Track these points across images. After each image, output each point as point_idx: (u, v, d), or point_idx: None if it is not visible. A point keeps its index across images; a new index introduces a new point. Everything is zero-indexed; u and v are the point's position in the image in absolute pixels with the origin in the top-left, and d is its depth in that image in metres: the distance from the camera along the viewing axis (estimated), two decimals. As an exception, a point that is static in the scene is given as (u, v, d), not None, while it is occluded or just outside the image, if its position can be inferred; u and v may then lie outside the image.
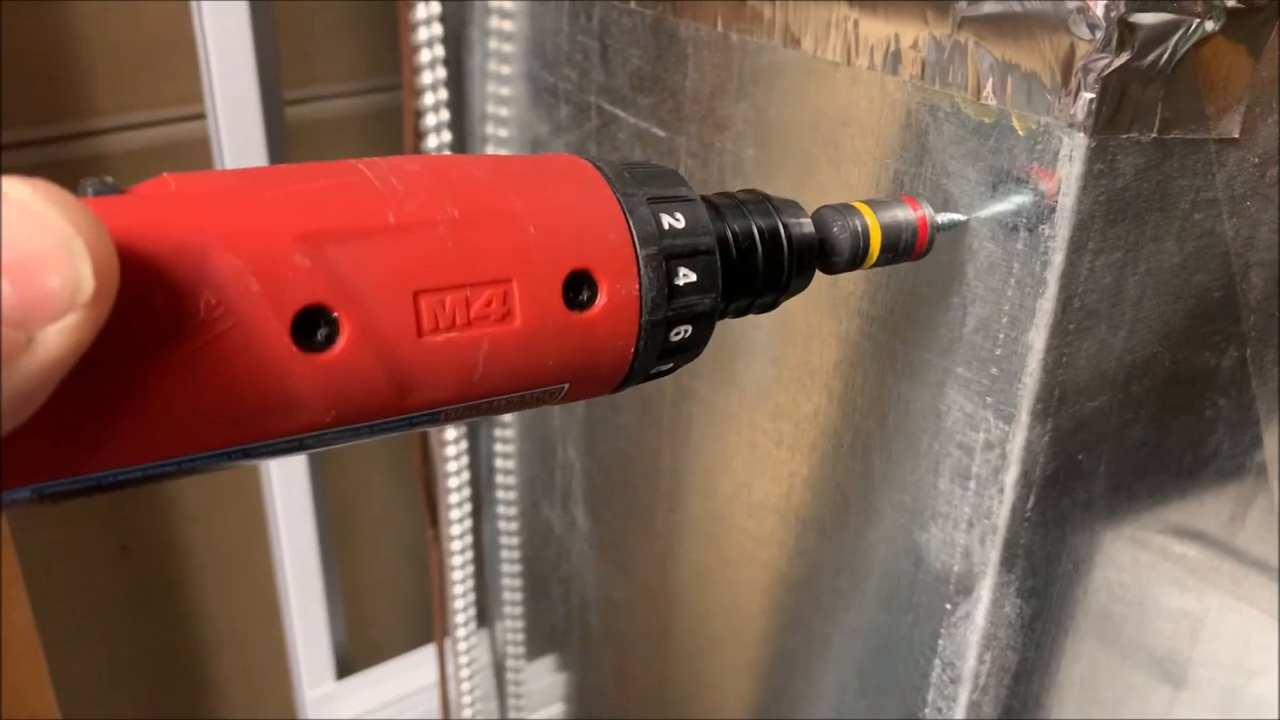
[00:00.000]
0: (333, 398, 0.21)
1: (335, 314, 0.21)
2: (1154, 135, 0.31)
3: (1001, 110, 0.32)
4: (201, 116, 0.74)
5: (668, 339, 0.26)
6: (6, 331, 0.15)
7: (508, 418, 0.68)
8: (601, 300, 0.24)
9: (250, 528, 0.82)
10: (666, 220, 0.26)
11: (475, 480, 0.69)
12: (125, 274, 0.18)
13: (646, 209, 0.25)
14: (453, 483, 0.66)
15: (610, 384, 0.27)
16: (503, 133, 0.58)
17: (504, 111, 0.57)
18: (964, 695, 0.39)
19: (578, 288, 0.24)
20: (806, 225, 0.30)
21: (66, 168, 0.72)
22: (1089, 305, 0.33)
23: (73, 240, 0.16)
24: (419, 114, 0.57)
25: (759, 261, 0.28)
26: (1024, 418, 0.34)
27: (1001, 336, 0.34)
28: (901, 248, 0.32)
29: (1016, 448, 0.34)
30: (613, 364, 0.26)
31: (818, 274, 0.31)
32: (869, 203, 0.31)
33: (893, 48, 0.34)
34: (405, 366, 0.22)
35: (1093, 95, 0.29)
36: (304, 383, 0.21)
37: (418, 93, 0.56)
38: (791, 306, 0.41)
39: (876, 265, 0.32)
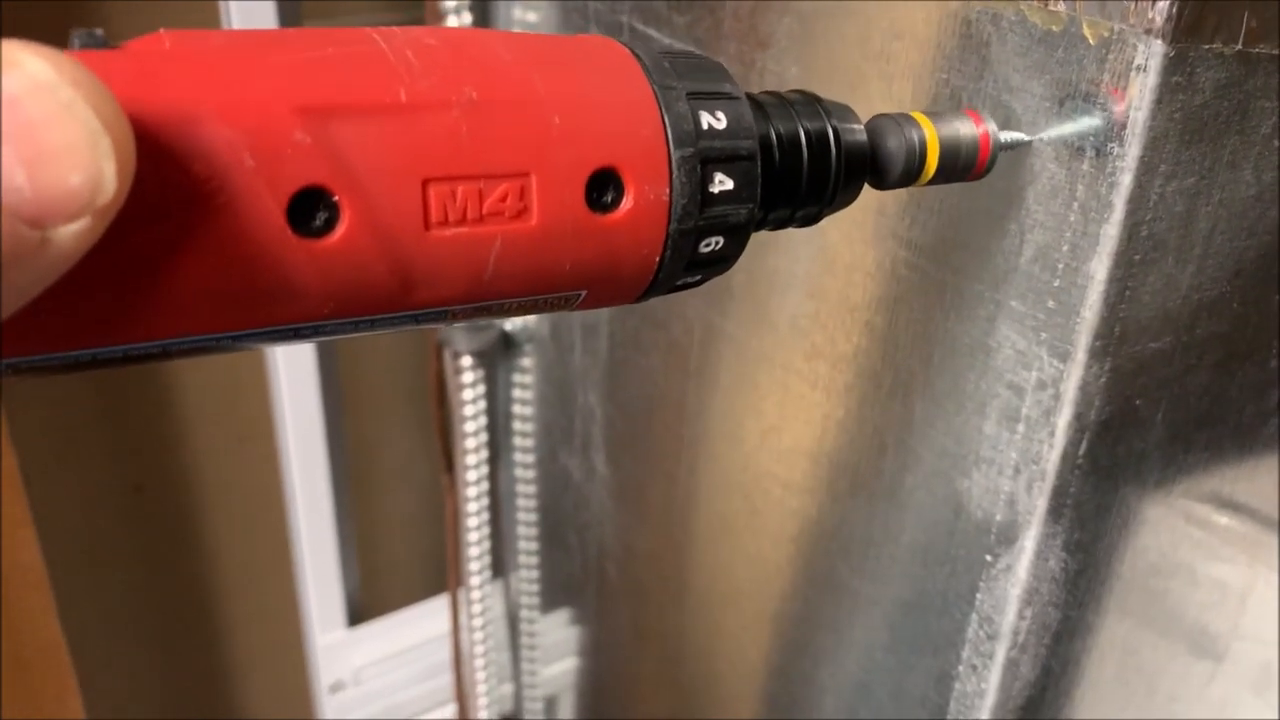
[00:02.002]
0: (330, 288, 0.19)
1: (336, 197, 0.19)
2: (1238, 47, 0.29)
3: (1071, 17, 0.29)
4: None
5: (696, 250, 0.24)
6: (20, 228, 0.14)
7: (527, 362, 0.66)
8: (627, 203, 0.22)
9: (264, 471, 0.80)
10: (706, 119, 0.23)
11: (492, 426, 0.67)
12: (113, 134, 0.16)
13: (685, 105, 0.23)
14: (469, 428, 0.64)
15: (631, 294, 0.24)
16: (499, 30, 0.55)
17: (531, 16, 0.54)
18: (1001, 652, 0.37)
19: (602, 187, 0.22)
20: (859, 132, 0.27)
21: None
22: (1157, 235, 0.30)
23: (99, 136, 0.15)
24: (440, 16, 0.54)
25: (803, 168, 0.26)
26: (1081, 355, 0.32)
27: (1061, 266, 0.31)
28: (960, 165, 0.29)
29: (1071, 388, 0.32)
30: (635, 273, 0.23)
31: (863, 198, 0.28)
32: (928, 114, 0.29)
33: (953, -49, 0.32)
34: (410, 260, 0.20)
35: (1175, -3, 0.27)
36: (299, 270, 0.19)
37: (440, 15, 0.54)
38: (832, 235, 0.39)
39: (931, 183, 0.29)
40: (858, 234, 0.38)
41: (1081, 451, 0.33)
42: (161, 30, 0.19)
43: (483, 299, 0.22)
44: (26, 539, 0.60)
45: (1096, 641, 0.40)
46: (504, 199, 0.21)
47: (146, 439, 0.80)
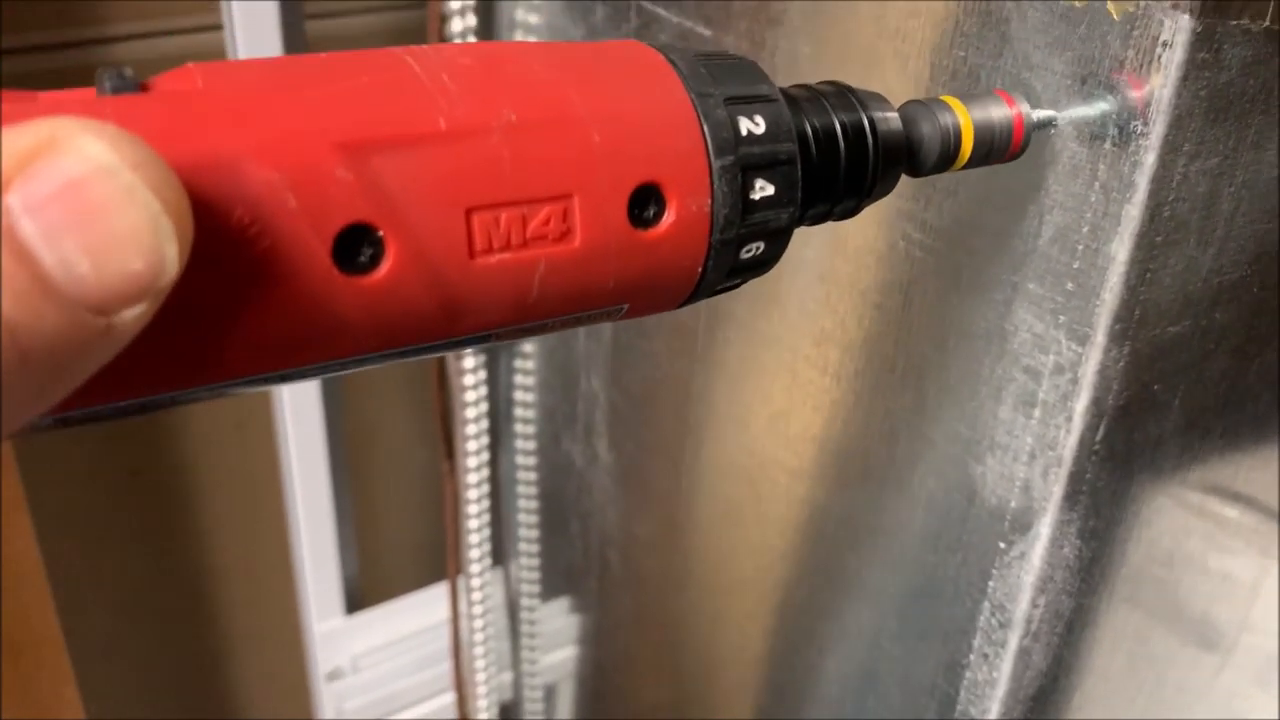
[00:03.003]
0: (378, 323, 0.19)
1: (380, 233, 0.19)
2: (1266, 24, 0.28)
3: (1096, -8, 0.29)
4: (218, 28, 0.71)
5: (738, 257, 0.23)
6: (85, 316, 0.14)
7: (529, 347, 0.65)
8: (669, 217, 0.22)
9: (262, 457, 0.80)
10: (745, 125, 0.23)
11: (494, 412, 0.66)
12: None
13: (724, 111, 0.22)
14: (470, 413, 0.64)
15: (673, 303, 0.24)
16: (532, 40, 0.55)
17: (534, 19, 0.54)
18: (1014, 641, 0.36)
19: (644, 203, 0.22)
20: (894, 121, 0.26)
21: (75, 76, 0.69)
22: (1179, 216, 0.30)
23: (161, 219, 0.15)
24: (444, 19, 0.54)
25: (841, 162, 0.25)
26: (1100, 339, 0.31)
27: (1081, 248, 0.31)
28: (995, 148, 0.29)
29: (1089, 372, 0.31)
30: (677, 284, 0.23)
31: None
32: (960, 97, 0.28)
33: (973, -75, 0.31)
34: (455, 290, 0.20)
35: (1204, -30, 0.26)
36: (347, 308, 0.19)
37: (445, 16, 0.53)
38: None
39: (966, 168, 0.29)
40: (869, 216, 0.37)
41: (1099, 437, 0.33)
42: (190, 65, 0.19)
43: (527, 321, 0.21)
44: (21, 524, 0.60)
45: (1108, 631, 0.40)
46: (547, 222, 0.20)
47: (143, 424, 0.79)
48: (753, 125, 0.23)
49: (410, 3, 0.76)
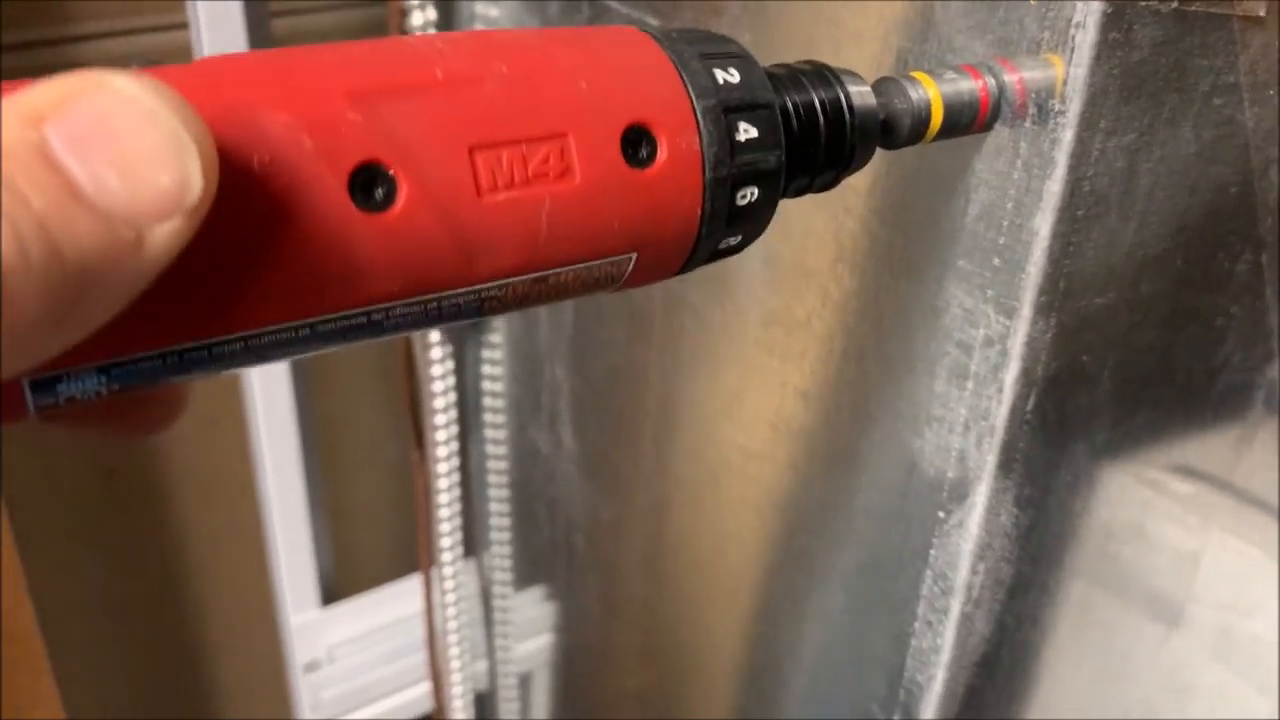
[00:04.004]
0: (397, 262, 0.20)
1: (391, 171, 0.20)
2: (1174, 5, 0.29)
3: (1012, -24, 0.30)
4: (184, 26, 0.71)
5: (734, 201, 0.25)
6: (118, 228, 0.15)
7: (495, 336, 0.66)
8: (662, 155, 0.23)
9: (235, 453, 0.80)
10: (721, 75, 0.24)
11: (462, 403, 0.67)
12: None
13: (699, 63, 0.24)
14: (439, 403, 0.65)
15: (679, 253, 0.25)
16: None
17: (493, 12, 0.55)
18: (955, 608, 0.37)
19: (636, 143, 0.23)
20: (868, 95, 0.28)
21: (43, 74, 0.70)
22: (1099, 190, 0.31)
23: (182, 138, 0.16)
24: (404, 13, 0.55)
25: (821, 135, 0.26)
26: (1026, 311, 0.32)
27: (1006, 224, 0.32)
28: (963, 121, 0.30)
29: (1017, 343, 0.33)
30: (680, 227, 0.24)
31: None
32: (930, 72, 0.29)
33: (898, -86, 0.32)
34: (468, 227, 0.21)
35: (1110, -47, 0.27)
36: (366, 245, 0.20)
37: (404, 13, 0.54)
38: (787, 201, 0.40)
39: (937, 139, 0.30)
40: (810, 199, 0.38)
41: (1029, 407, 0.34)
42: (207, 56, 0.21)
43: (540, 266, 0.23)
44: (-3, 523, 0.60)
45: (1051, 599, 0.41)
46: (546, 160, 0.22)
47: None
48: (728, 75, 0.24)
49: (371, 1, 0.77)
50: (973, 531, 0.36)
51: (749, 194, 0.25)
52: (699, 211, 0.24)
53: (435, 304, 0.22)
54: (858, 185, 0.36)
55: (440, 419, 0.65)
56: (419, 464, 0.70)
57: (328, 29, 0.78)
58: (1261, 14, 0.31)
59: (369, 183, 0.20)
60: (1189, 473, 0.41)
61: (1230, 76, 0.32)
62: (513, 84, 0.22)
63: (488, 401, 0.68)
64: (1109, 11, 0.28)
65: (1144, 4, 0.29)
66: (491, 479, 0.71)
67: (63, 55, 0.70)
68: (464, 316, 0.23)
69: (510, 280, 0.22)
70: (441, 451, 0.66)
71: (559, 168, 0.22)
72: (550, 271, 0.23)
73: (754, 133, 0.24)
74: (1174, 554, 0.43)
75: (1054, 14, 0.29)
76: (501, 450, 0.70)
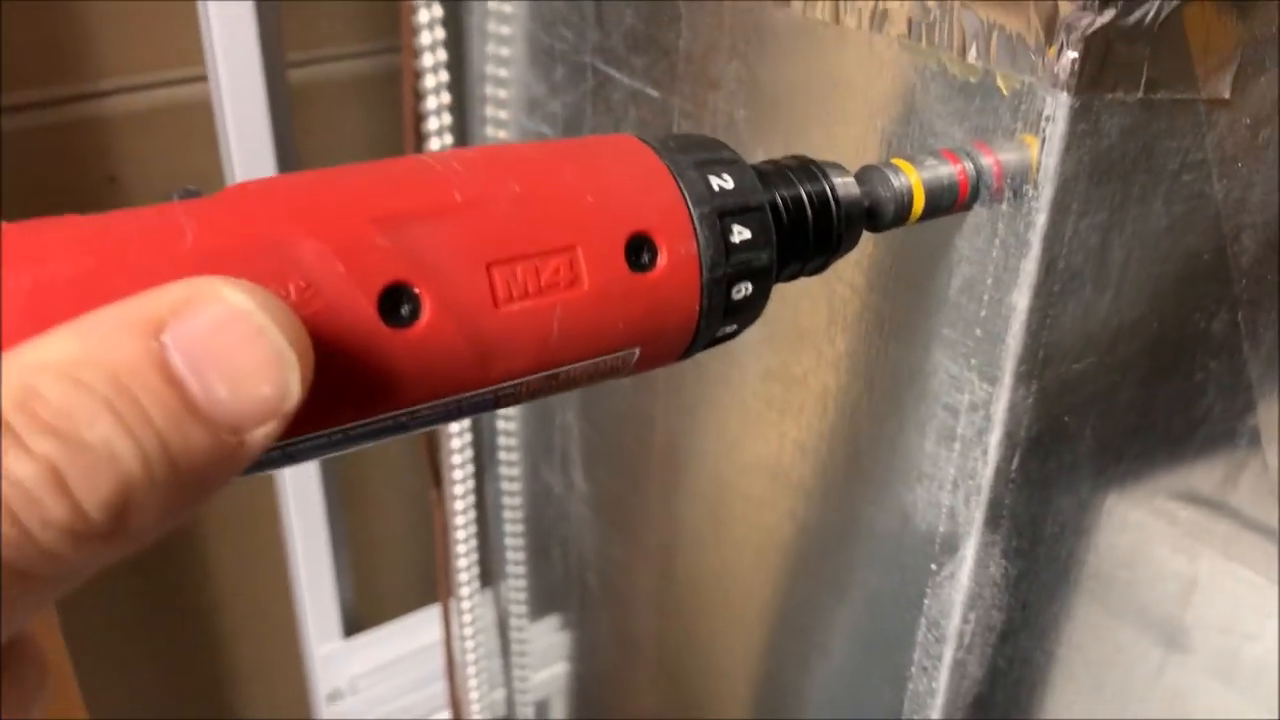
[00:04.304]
0: (423, 372, 0.22)
1: (416, 290, 0.22)
2: (1140, 95, 0.31)
3: (986, 70, 0.32)
4: (203, 79, 0.73)
5: (729, 296, 0.27)
6: (223, 435, 0.17)
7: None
8: (663, 260, 0.25)
9: (260, 487, 0.83)
10: (715, 182, 0.26)
11: (478, 443, 0.69)
12: (217, 266, 0.19)
13: (694, 172, 0.26)
14: (455, 444, 0.67)
15: (679, 346, 0.27)
16: (501, 93, 0.58)
17: (503, 72, 0.57)
18: (948, 654, 0.39)
19: (639, 250, 0.25)
20: (852, 186, 0.30)
21: (69, 130, 0.72)
22: (1074, 267, 0.33)
23: (285, 352, 0.18)
24: (418, 74, 0.57)
25: (809, 225, 0.28)
26: (1007, 380, 0.34)
27: (986, 298, 0.34)
28: (944, 203, 0.32)
29: (1000, 409, 0.34)
30: (680, 323, 0.26)
31: None
32: (910, 159, 0.31)
33: (880, 7, 0.34)
34: (486, 336, 0.23)
35: (1076, 54, 0.29)
36: (395, 359, 0.22)
37: (417, 53, 0.56)
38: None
39: (921, 220, 0.32)
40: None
41: (1014, 466, 0.36)
42: (243, 180, 0.22)
43: (551, 366, 0.24)
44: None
45: (1044, 639, 0.42)
46: (557, 271, 0.24)
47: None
48: (722, 181, 0.26)
49: (385, 50, 0.79)
50: (963, 583, 0.38)
51: (744, 288, 0.27)
52: (697, 308, 0.26)
53: (455, 404, 0.24)
54: (850, 256, 0.38)
55: (457, 459, 0.67)
56: (437, 502, 0.72)
57: (343, 78, 0.80)
58: (1226, 95, 0.33)
59: (396, 302, 0.21)
60: (1183, 497, 0.42)
61: (1198, 154, 0.34)
62: (525, 202, 0.24)
63: (502, 441, 0.70)
64: (1077, 106, 0.30)
65: (1111, 97, 0.31)
66: (507, 515, 0.73)
67: (84, 110, 0.72)
68: (481, 410, 0.25)
69: (524, 379, 0.24)
70: (458, 490, 0.68)
71: (568, 277, 0.24)
72: (560, 369, 0.25)
73: (747, 234, 0.26)
74: (1169, 579, 0.44)
75: (1026, 106, 0.31)
76: (516, 488, 0.72)
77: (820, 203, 0.29)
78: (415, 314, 0.22)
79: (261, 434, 0.18)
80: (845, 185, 0.29)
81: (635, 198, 0.25)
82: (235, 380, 0.17)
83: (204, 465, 0.17)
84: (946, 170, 0.32)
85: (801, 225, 0.28)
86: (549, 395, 0.26)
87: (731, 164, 0.27)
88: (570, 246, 0.24)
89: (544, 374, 0.25)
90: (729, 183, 0.26)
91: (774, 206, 0.28)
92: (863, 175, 0.31)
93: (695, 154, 0.27)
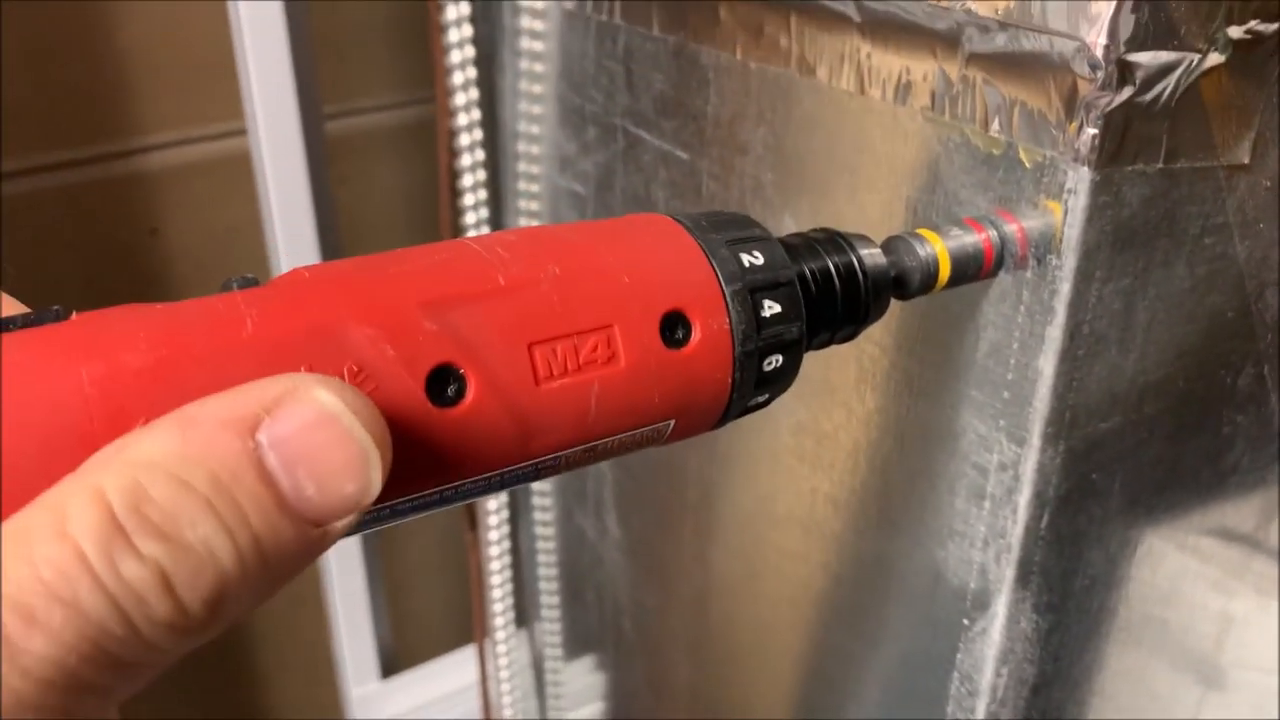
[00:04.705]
0: (467, 448, 0.23)
1: (462, 370, 0.23)
2: (1160, 166, 0.32)
3: (1009, 143, 0.32)
4: (243, 132, 0.75)
5: (761, 369, 0.28)
6: (308, 529, 0.18)
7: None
8: (696, 336, 0.26)
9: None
10: (746, 259, 0.27)
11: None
12: (277, 352, 0.20)
13: (726, 250, 0.27)
14: (490, 489, 0.68)
15: (712, 417, 0.28)
16: (534, 150, 0.59)
17: (535, 130, 0.58)
18: (982, 707, 0.40)
19: (673, 327, 0.26)
20: (879, 257, 0.31)
21: (113, 185, 0.74)
22: (1098, 331, 0.34)
23: (371, 453, 0.19)
24: (453, 133, 0.58)
25: (838, 296, 0.29)
26: (1035, 440, 0.35)
27: (1013, 361, 0.34)
28: (970, 270, 0.33)
29: (1029, 469, 0.35)
30: (713, 396, 0.27)
31: None
32: (935, 228, 0.32)
33: (904, 80, 0.35)
34: (527, 413, 0.24)
35: (1096, 131, 0.30)
36: (441, 437, 0.23)
37: (452, 112, 0.58)
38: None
39: (948, 287, 0.33)
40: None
41: (1044, 524, 0.36)
42: (298, 267, 0.24)
43: (589, 439, 0.25)
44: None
45: (1077, 690, 0.43)
46: (595, 349, 0.25)
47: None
48: (753, 258, 0.28)
49: (418, 101, 0.81)
50: (995, 638, 0.38)
51: (774, 360, 0.28)
52: (730, 381, 0.27)
53: (498, 477, 0.25)
54: (877, 316, 0.39)
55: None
56: (472, 544, 0.73)
57: (380, 130, 0.82)
58: (1245, 161, 0.34)
59: (443, 382, 0.23)
60: (1218, 536, 0.43)
61: (1219, 218, 0.34)
62: (564, 283, 0.25)
63: (535, 485, 0.71)
64: (1098, 179, 0.31)
65: (1132, 169, 0.31)
66: (541, 559, 0.74)
67: (127, 166, 0.75)
68: (522, 482, 0.26)
69: (563, 453, 0.25)
70: (494, 535, 0.69)
71: (606, 354, 0.25)
72: (598, 442, 0.26)
73: (777, 308, 0.27)
74: (1205, 620, 0.44)
75: (1048, 179, 0.32)
76: (550, 532, 0.73)
77: (847, 274, 0.30)
78: (461, 394, 0.23)
79: (341, 525, 0.19)
80: (871, 256, 0.30)
81: (669, 276, 0.26)
82: (323, 479, 0.18)
83: (290, 556, 0.18)
84: (971, 239, 0.33)
85: (829, 296, 0.29)
86: (587, 465, 0.27)
87: (761, 240, 0.28)
88: (608, 325, 0.25)
89: (582, 447, 0.26)
90: (759, 259, 0.27)
91: (802, 279, 0.29)
92: (889, 245, 0.32)
93: (727, 231, 0.28)
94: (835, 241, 0.30)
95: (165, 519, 0.17)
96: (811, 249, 0.30)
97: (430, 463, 0.23)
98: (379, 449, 0.19)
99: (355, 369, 0.21)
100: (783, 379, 0.29)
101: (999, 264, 0.33)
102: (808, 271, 0.29)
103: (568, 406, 0.24)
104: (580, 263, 0.25)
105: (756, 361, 0.27)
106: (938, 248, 0.32)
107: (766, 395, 0.29)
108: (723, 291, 0.27)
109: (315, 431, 0.18)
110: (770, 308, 0.27)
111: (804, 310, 0.28)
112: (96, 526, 0.16)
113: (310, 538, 0.18)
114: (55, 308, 0.20)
